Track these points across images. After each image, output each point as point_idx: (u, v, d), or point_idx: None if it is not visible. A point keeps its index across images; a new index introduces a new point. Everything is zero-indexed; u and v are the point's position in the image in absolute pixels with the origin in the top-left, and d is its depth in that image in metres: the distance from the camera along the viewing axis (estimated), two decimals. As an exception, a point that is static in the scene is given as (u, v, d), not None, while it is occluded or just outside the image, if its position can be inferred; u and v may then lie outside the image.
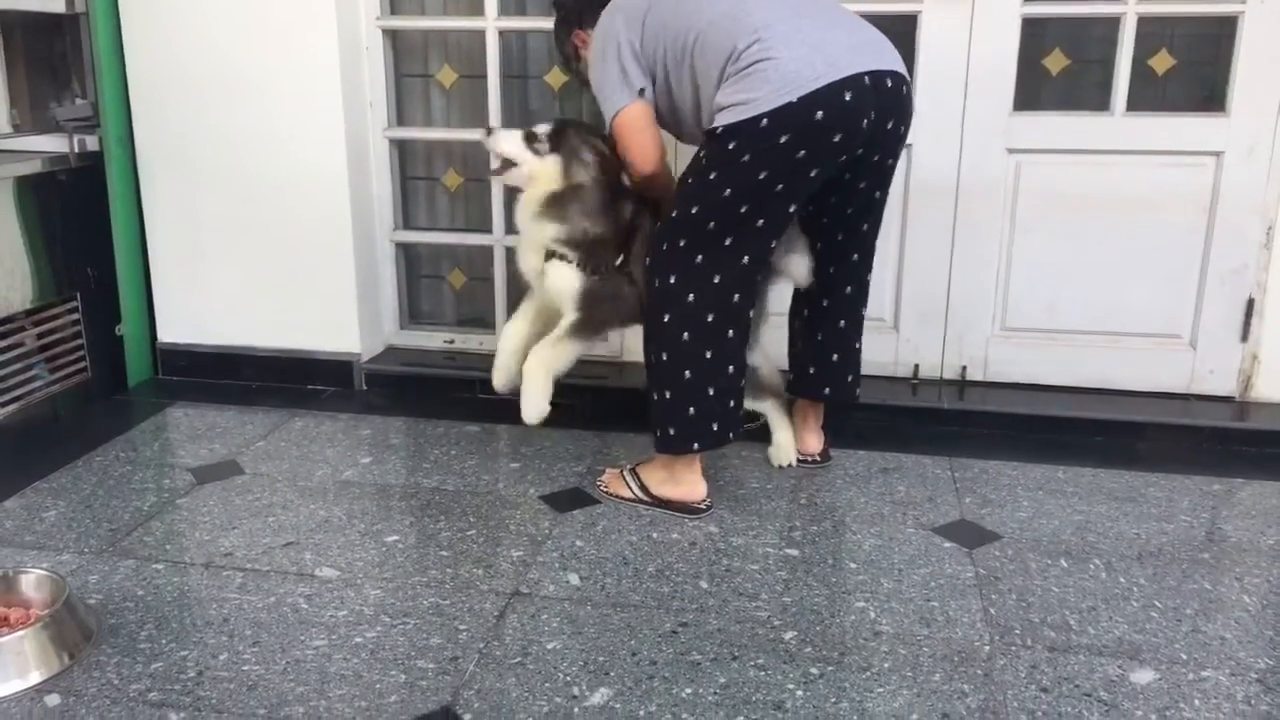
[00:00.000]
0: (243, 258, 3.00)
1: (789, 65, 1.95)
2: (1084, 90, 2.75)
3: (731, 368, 2.12)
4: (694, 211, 2.06)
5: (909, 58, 2.69)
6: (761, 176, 2.01)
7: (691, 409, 2.11)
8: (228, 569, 1.99)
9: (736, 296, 2.10)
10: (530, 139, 2.26)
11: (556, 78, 3.03)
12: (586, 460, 2.52)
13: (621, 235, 2.25)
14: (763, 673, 1.68)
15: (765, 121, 1.95)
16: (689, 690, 1.63)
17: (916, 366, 2.86)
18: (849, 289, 2.36)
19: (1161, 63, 2.70)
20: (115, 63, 2.89)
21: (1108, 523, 2.20)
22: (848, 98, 1.98)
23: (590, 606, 1.87)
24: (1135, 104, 2.64)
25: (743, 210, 2.04)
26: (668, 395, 2.13)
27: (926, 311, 2.82)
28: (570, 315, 2.25)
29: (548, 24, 2.99)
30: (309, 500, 2.29)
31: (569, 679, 1.66)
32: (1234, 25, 2.57)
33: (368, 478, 2.42)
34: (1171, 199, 2.66)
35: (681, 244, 2.08)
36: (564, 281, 2.24)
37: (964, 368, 2.84)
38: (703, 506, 2.22)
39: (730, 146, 2.00)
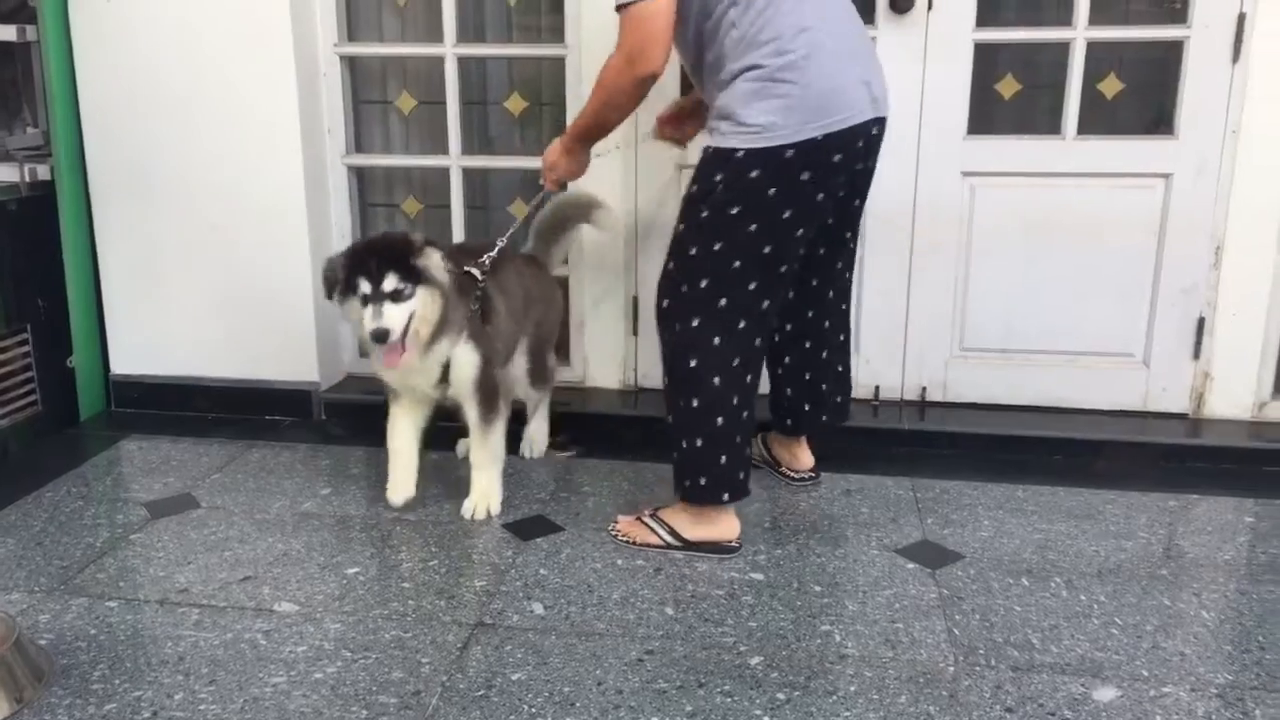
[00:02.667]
0: (198, 287, 2.95)
1: (815, 94, 1.91)
2: (1036, 114, 2.80)
3: (747, 414, 2.09)
4: (716, 249, 1.98)
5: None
6: (786, 215, 1.96)
7: (724, 458, 2.06)
8: (183, 606, 1.95)
9: (758, 341, 2.07)
10: (396, 296, 2.08)
11: (516, 103, 3.03)
12: (550, 487, 2.50)
13: (473, 283, 2.27)
14: (730, 699, 1.67)
15: (790, 154, 1.91)
16: (656, 719, 1.62)
17: (877, 388, 2.88)
18: (827, 323, 2.34)
19: (1110, 86, 2.76)
20: (67, 91, 2.84)
21: (1067, 541, 2.22)
22: (859, 145, 1.98)
23: (555, 636, 1.85)
24: (1086, 127, 2.69)
25: (766, 251, 1.98)
26: (699, 444, 2.06)
27: (886, 333, 2.85)
28: (473, 404, 2.27)
29: (507, 50, 3.02)
30: (267, 533, 2.25)
31: (534, 711, 1.64)
32: (1180, 50, 2.63)
33: (327, 509, 2.38)
34: (1123, 220, 2.71)
35: (703, 285, 2.01)
36: (466, 369, 2.24)
37: (924, 389, 2.86)
38: (736, 545, 2.15)
39: (753, 175, 1.93)
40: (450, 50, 2.89)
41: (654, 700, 1.66)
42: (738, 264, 1.98)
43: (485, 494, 2.34)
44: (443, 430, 2.72)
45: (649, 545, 2.17)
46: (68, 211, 2.89)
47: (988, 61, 2.75)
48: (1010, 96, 2.81)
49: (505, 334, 2.39)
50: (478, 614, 1.92)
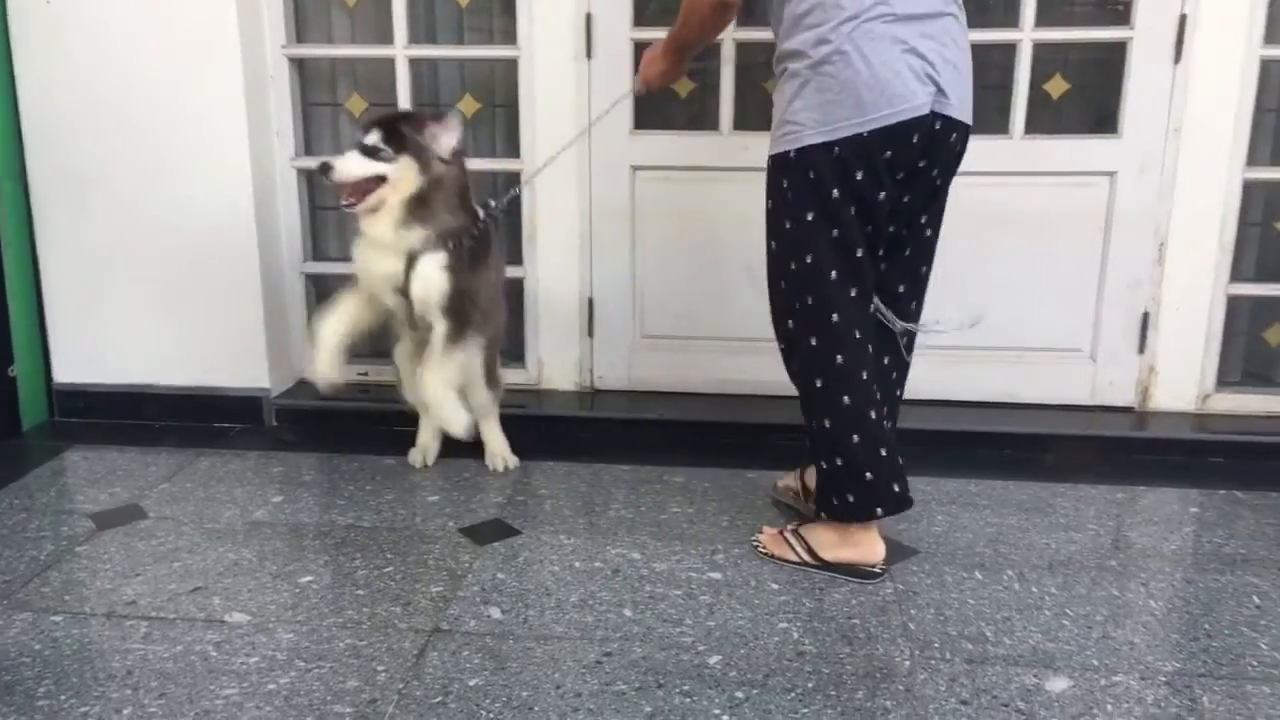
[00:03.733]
0: (144, 293, 2.90)
1: (858, 87, 1.81)
2: (984, 114, 2.82)
3: (889, 423, 2.04)
4: (809, 261, 1.93)
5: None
6: (853, 211, 1.91)
7: (869, 474, 1.98)
8: (131, 618, 1.90)
9: (871, 348, 2.00)
10: (372, 151, 2.17)
11: (469, 105, 3.01)
12: (507, 491, 2.49)
13: (474, 218, 2.27)
14: (689, 699, 1.67)
15: (838, 150, 1.86)
16: (614, 721, 1.62)
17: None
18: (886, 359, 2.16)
19: (1056, 87, 2.81)
20: (6, 93, 2.77)
21: (1019, 534, 2.26)
22: (914, 141, 1.87)
23: (513, 640, 1.84)
24: (1033, 127, 2.74)
25: (859, 255, 1.94)
26: (839, 463, 2.00)
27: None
28: (440, 324, 2.23)
29: (458, 52, 2.99)
30: (217, 543, 2.21)
31: (492, 716, 1.62)
32: (1124, 50, 2.68)
33: (279, 517, 2.34)
34: (1070, 218, 2.76)
35: (810, 301, 1.95)
36: (434, 282, 2.21)
37: (878, 386, 2.89)
38: (879, 570, 2.06)
39: (811, 176, 1.89)
40: (401, 52, 2.87)
41: (613, 702, 1.66)
42: (835, 274, 1.93)
43: (446, 418, 2.28)
44: (401, 435, 2.70)
45: (785, 560, 2.11)
46: (8, 217, 2.82)
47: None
48: (958, 97, 2.85)
49: (484, 297, 2.33)
50: (434, 620, 1.90)
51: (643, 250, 2.92)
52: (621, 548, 2.18)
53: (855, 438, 1.97)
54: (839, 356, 1.96)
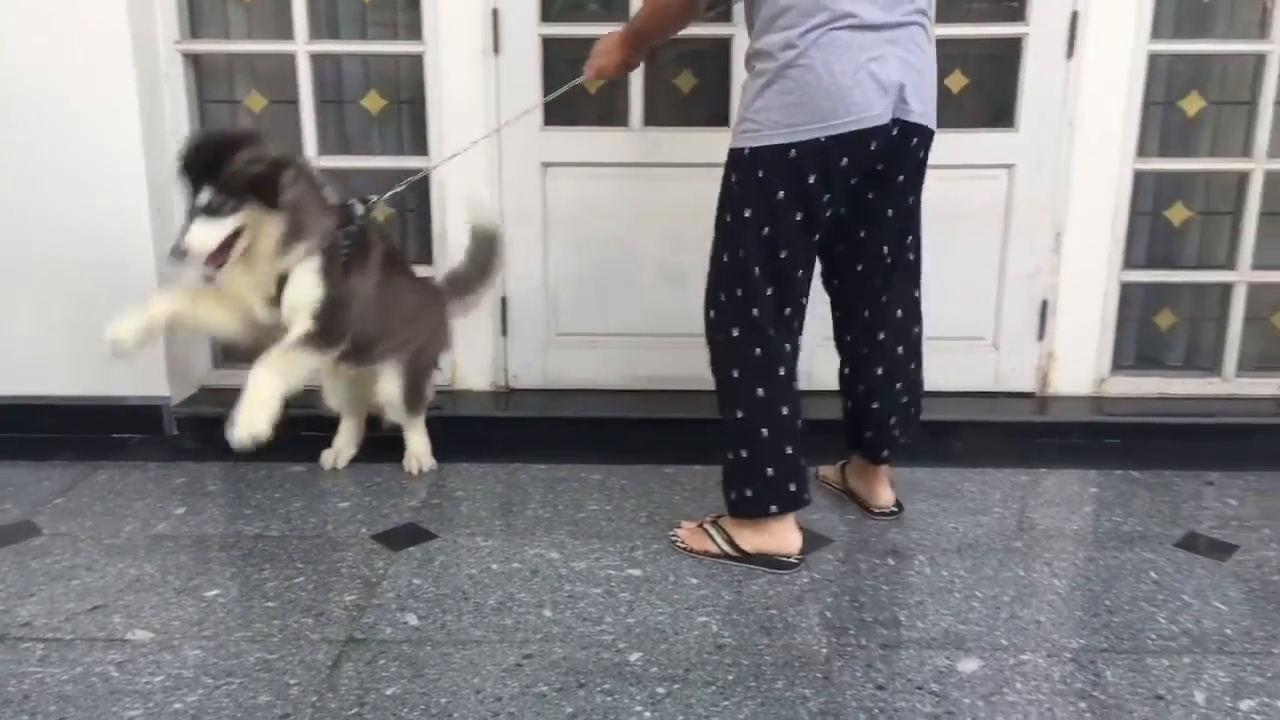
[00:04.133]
0: (34, 301, 2.76)
1: (820, 92, 1.84)
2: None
3: (800, 422, 2.04)
4: (740, 255, 1.96)
5: (723, 81, 2.78)
6: (798, 218, 1.93)
7: (770, 469, 2.00)
8: (26, 640, 1.81)
9: (788, 348, 2.02)
10: (214, 210, 1.96)
11: (374, 101, 2.95)
12: (421, 494, 2.45)
13: (345, 216, 2.18)
14: (610, 698, 1.66)
15: (794, 154, 1.88)
16: (535, 724, 1.60)
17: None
18: (881, 335, 2.19)
19: (956, 82, 2.88)
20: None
21: (929, 519, 2.31)
22: (872, 148, 1.90)
23: (430, 646, 1.81)
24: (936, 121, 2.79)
25: (782, 256, 1.95)
26: (744, 455, 2.02)
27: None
28: (304, 325, 2.11)
29: (362, 48, 2.93)
30: (116, 558, 2.12)
31: (410, 725, 1.60)
32: (1019, 46, 2.76)
33: (183, 530, 2.26)
34: (971, 209, 2.83)
35: (739, 294, 1.98)
36: (306, 289, 2.11)
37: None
38: (795, 560, 2.07)
39: (760, 175, 1.91)
40: (302, 47, 2.79)
41: (534, 704, 1.65)
42: (758, 270, 1.95)
43: (246, 415, 2.07)
44: (311, 441, 2.63)
45: (706, 553, 2.11)
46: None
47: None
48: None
49: (364, 316, 2.23)
50: (348, 630, 1.86)
51: (555, 248, 2.90)
52: (539, 548, 2.17)
53: (764, 431, 1.99)
54: (757, 349, 1.98)
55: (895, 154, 1.96)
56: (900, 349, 2.19)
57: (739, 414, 2.01)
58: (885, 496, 2.32)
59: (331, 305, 2.12)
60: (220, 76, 2.96)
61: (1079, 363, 2.92)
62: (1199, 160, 2.92)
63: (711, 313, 2.03)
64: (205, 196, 1.93)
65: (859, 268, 2.14)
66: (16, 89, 2.62)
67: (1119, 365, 2.98)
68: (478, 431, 2.81)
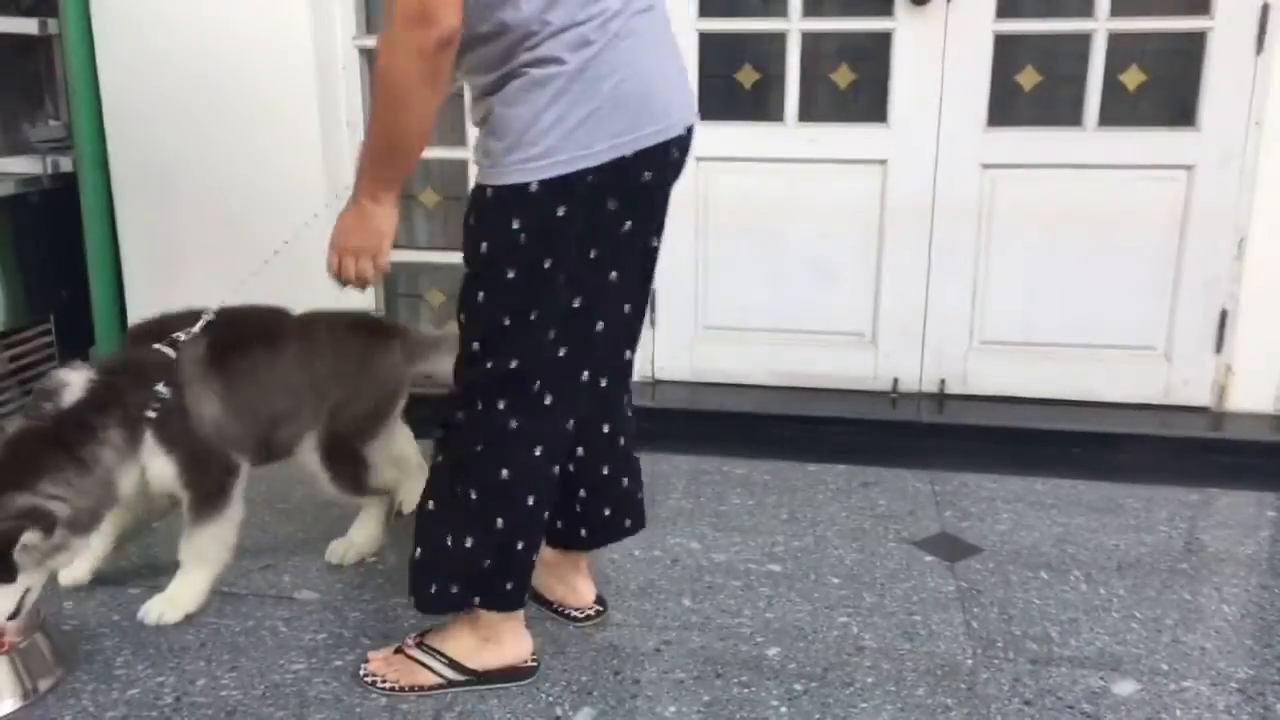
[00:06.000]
0: (218, 278, 2.94)
1: (626, 96, 1.48)
2: (1056, 106, 2.78)
3: (544, 515, 1.67)
4: (534, 318, 1.53)
5: (881, 76, 2.73)
6: (593, 256, 1.56)
7: (488, 561, 1.61)
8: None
9: (570, 424, 1.64)
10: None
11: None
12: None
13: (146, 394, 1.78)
14: (746, 690, 1.67)
15: (592, 179, 1.48)
16: (672, 709, 1.63)
17: (895, 380, 2.87)
18: (605, 426, 1.78)
19: (1133, 78, 2.74)
20: (89, 83, 2.86)
21: (1087, 534, 2.21)
22: (673, 158, 1.60)
23: (573, 625, 1.85)
24: (1107, 119, 2.67)
25: (576, 306, 1.57)
26: (467, 544, 1.60)
27: (905, 325, 2.84)
28: (186, 495, 1.84)
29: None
30: (286, 522, 2.27)
31: (551, 699, 1.65)
32: (1203, 41, 2.61)
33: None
34: (1145, 212, 2.69)
35: (514, 365, 1.55)
36: (156, 470, 1.80)
37: (943, 381, 2.85)
38: (534, 663, 1.72)
39: (560, 213, 1.48)
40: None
41: (670, 690, 1.67)
42: (554, 333, 1.56)
43: (171, 598, 1.88)
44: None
45: (423, 688, 1.66)
46: (89, 203, 2.91)
47: (1008, 52, 2.73)
48: (1031, 88, 2.79)
49: (229, 423, 1.87)
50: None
51: (705, 241, 2.91)
52: (680, 538, 2.19)
53: (500, 521, 1.60)
54: (538, 447, 1.60)
55: (681, 162, 1.65)
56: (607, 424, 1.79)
57: (472, 495, 1.60)
58: (588, 593, 1.90)
59: (195, 462, 1.82)
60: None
61: (1261, 377, 2.73)
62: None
63: (469, 376, 1.59)
64: None
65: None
66: (212, 76, 2.83)
67: (1306, 383, 2.77)
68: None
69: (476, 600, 1.64)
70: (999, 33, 2.66)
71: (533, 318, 1.53)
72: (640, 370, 3.00)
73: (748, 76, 2.87)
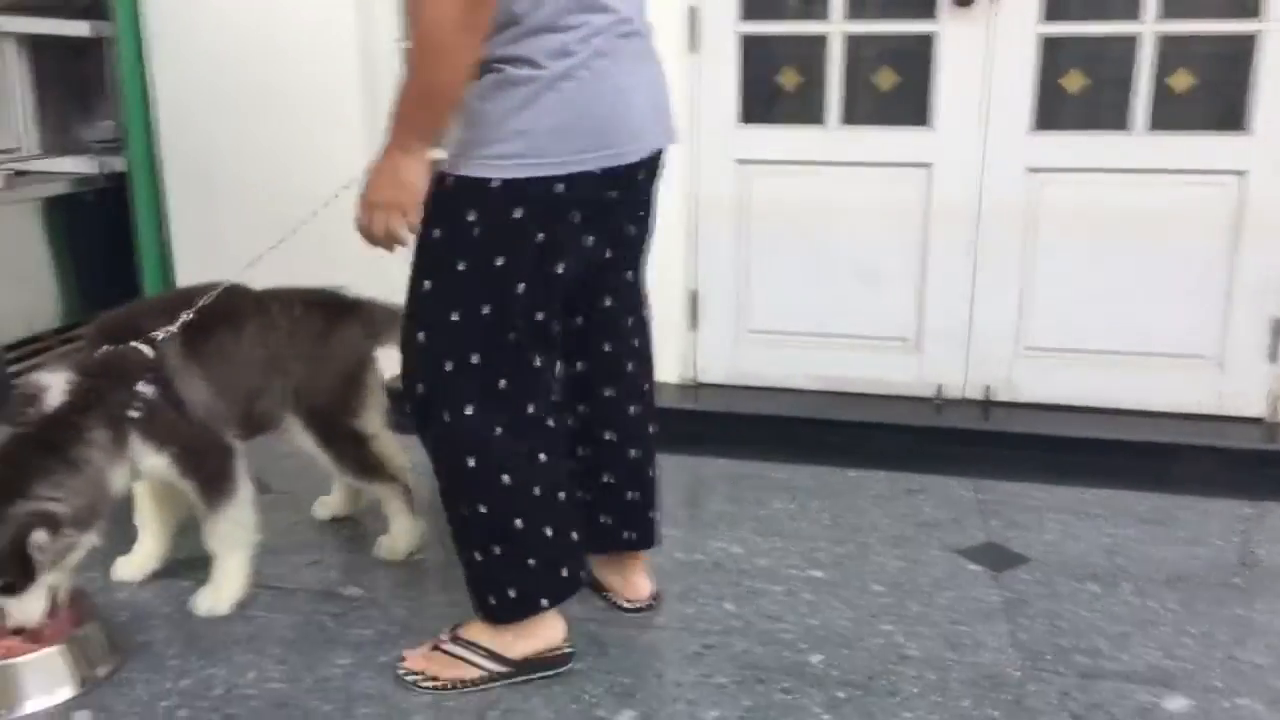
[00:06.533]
0: (269, 277, 3.00)
1: (597, 113, 1.50)
2: (1103, 110, 2.74)
3: (563, 494, 1.67)
4: (485, 313, 1.54)
5: (924, 79, 2.71)
6: (559, 270, 1.56)
7: (532, 560, 1.63)
8: (255, 586, 1.97)
9: (551, 422, 1.65)
10: (7, 590, 1.62)
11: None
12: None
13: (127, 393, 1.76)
14: (788, 696, 1.67)
15: (560, 188, 1.49)
16: (714, 713, 1.62)
17: (939, 387, 2.84)
18: (608, 434, 1.81)
19: (1180, 81, 2.69)
20: (140, 84, 2.92)
21: (1137, 546, 2.18)
22: (640, 178, 1.63)
23: (615, 627, 1.86)
24: (1156, 123, 2.63)
25: (539, 319, 1.58)
26: (497, 551, 1.62)
27: (949, 331, 2.81)
28: (189, 488, 1.85)
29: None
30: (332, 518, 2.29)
31: (594, 700, 1.65)
32: (1253, 44, 2.56)
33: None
34: (1194, 217, 2.64)
35: (474, 361, 1.55)
36: (149, 464, 1.80)
37: (988, 387, 2.82)
38: (570, 649, 1.73)
39: (516, 215, 1.49)
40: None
41: (712, 694, 1.67)
42: (513, 334, 1.56)
43: (216, 589, 1.91)
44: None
45: (463, 682, 1.67)
46: (141, 202, 2.97)
47: (1053, 55, 2.70)
48: (1077, 91, 2.76)
49: (215, 402, 1.88)
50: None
51: (747, 244, 2.90)
52: (722, 542, 2.19)
53: (518, 521, 1.61)
54: (526, 445, 1.60)
55: (654, 179, 1.70)
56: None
57: (481, 509, 1.61)
58: (644, 587, 1.93)
59: (187, 453, 1.82)
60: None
61: (1317, 389, 2.68)
62: None
63: (421, 387, 1.59)
64: None
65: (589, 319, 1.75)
66: (260, 79, 2.87)
67: (1364, 394, 2.71)
68: (665, 424, 2.80)
69: (544, 603, 1.66)
70: (1044, 35, 2.63)
71: (485, 312, 1.53)
72: (682, 373, 3.01)
73: (790, 79, 2.85)
